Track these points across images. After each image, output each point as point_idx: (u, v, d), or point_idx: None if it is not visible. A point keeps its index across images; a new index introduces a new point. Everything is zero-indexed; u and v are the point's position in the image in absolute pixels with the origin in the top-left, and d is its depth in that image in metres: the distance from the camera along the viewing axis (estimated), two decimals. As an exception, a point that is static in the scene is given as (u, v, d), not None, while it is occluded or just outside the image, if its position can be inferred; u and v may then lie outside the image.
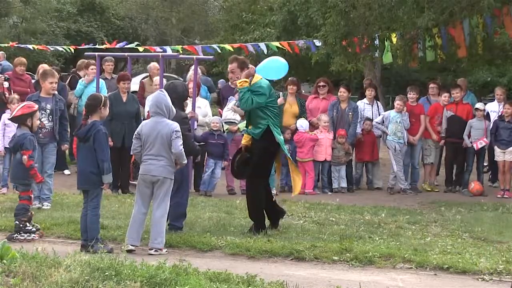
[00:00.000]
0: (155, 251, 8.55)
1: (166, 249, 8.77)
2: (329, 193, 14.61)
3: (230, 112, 14.02)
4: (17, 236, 9.03)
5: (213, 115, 14.82)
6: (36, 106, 9.50)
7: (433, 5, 14.43)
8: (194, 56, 14.13)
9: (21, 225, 9.12)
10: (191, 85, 12.75)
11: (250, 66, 9.67)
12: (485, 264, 8.25)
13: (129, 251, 8.55)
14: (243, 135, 10.64)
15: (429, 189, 15.49)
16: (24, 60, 15.62)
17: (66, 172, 15.54)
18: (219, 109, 16.85)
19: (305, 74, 30.21)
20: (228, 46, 17.46)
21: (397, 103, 15.19)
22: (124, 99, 12.96)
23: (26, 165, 9.07)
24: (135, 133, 8.70)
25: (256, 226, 9.75)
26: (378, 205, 13.08)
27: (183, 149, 8.46)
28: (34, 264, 6.83)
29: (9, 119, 10.56)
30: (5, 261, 6.89)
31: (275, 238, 9.42)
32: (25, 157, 9.09)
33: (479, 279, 7.94)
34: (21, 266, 6.71)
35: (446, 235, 10.46)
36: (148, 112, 9.43)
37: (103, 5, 52.35)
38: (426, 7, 14.16)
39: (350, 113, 14.99)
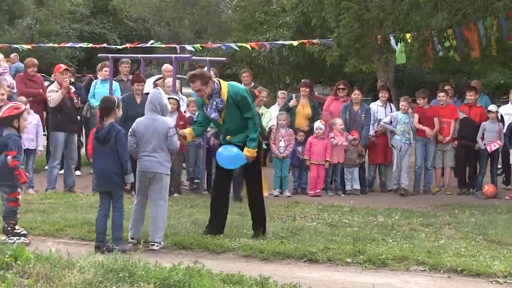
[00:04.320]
0: (157, 245, 8.63)
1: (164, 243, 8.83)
2: (342, 195, 14.41)
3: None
4: (6, 240, 8.76)
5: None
6: (24, 107, 9.25)
7: (447, 6, 14.30)
8: (207, 58, 14.03)
9: (9, 228, 8.93)
10: None
11: (213, 77, 9.23)
12: (499, 267, 8.14)
13: (130, 243, 8.66)
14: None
15: (439, 191, 15.33)
16: (35, 61, 15.35)
17: (77, 172, 15.21)
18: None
19: (318, 76, 29.57)
20: (246, 44, 17.05)
21: (402, 104, 15.03)
22: (138, 101, 12.74)
23: (10, 165, 8.79)
24: (130, 130, 8.71)
25: (265, 226, 9.67)
26: (391, 207, 12.83)
27: (177, 146, 8.61)
28: (48, 265, 6.77)
29: None
30: (19, 262, 6.83)
31: (288, 240, 9.28)
32: (9, 157, 8.83)
33: (493, 282, 7.82)
34: (35, 267, 6.66)
35: (459, 238, 10.31)
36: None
37: (116, 7, 52.07)
38: (440, 7, 14.00)
39: (363, 115, 14.79)
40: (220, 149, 9.10)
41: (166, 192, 8.70)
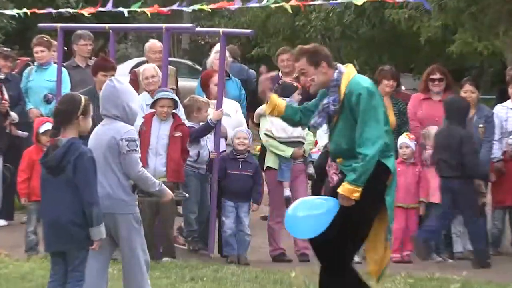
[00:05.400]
0: None
1: None
2: (449, 260, 11.22)
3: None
4: None
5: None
6: None
7: None
8: (221, 29, 11.18)
9: None
10: (215, 77, 10.42)
11: (325, 56, 7.57)
12: None
13: None
14: (308, 162, 10.26)
15: None
16: None
17: (2, 222, 12.75)
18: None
19: (406, 60, 24.80)
20: (286, 4, 13.22)
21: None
22: None
23: None
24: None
25: None
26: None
27: (144, 173, 7.17)
28: None
29: None
30: None
31: None
32: None
33: None
34: None
35: None
36: None
37: None
38: None
39: (480, 125, 11.67)
40: (292, 206, 7.76)
41: (137, 242, 7.19)
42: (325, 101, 7.61)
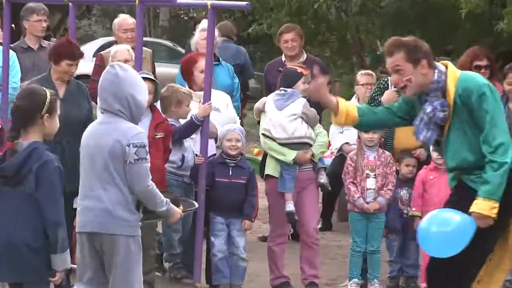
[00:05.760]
0: None
1: None
2: None
3: (292, 119, 9.33)
4: None
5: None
6: None
7: None
8: (208, 1, 9.54)
9: None
10: (201, 62, 9.27)
11: (426, 53, 6.81)
12: None
13: None
14: (319, 169, 8.82)
15: None
16: None
17: None
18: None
19: (443, 40, 20.78)
20: None
21: None
22: (62, 92, 9.23)
23: None
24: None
25: None
26: None
27: (153, 188, 6.58)
28: None
29: None
30: None
31: None
32: None
33: None
34: None
35: None
36: None
37: None
38: None
39: None
40: (424, 220, 7.12)
41: (133, 271, 6.62)
42: (428, 109, 7.02)
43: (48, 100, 6.57)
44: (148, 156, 6.71)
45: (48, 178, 6.46)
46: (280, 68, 9.80)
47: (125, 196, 6.67)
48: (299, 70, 9.23)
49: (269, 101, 9.12)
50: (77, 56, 9.05)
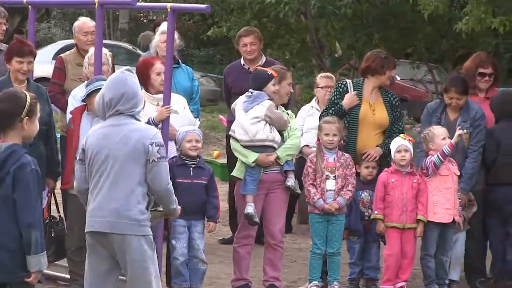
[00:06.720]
0: None
1: None
2: None
3: (254, 122, 9.23)
4: None
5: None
6: None
7: None
8: (168, 4, 9.47)
9: None
10: (158, 66, 9.12)
11: None
12: None
13: None
14: (286, 171, 8.60)
15: None
16: None
17: None
18: (220, 116, 13.99)
19: (402, 43, 20.93)
20: None
21: None
22: None
23: None
24: (79, 151, 6.96)
25: None
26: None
27: (171, 185, 6.65)
28: None
29: None
30: None
31: None
32: None
33: None
34: None
35: None
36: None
37: None
38: None
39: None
40: None
41: (149, 270, 6.57)
42: None
43: (28, 103, 6.56)
44: (165, 154, 6.78)
45: (24, 180, 6.49)
46: (250, 71, 9.86)
47: (137, 195, 6.70)
48: (269, 72, 9.20)
49: (238, 103, 9.09)
50: (26, 53, 8.95)
